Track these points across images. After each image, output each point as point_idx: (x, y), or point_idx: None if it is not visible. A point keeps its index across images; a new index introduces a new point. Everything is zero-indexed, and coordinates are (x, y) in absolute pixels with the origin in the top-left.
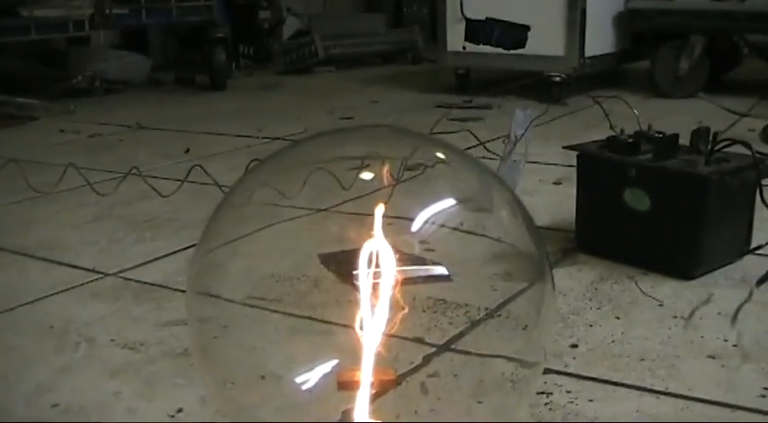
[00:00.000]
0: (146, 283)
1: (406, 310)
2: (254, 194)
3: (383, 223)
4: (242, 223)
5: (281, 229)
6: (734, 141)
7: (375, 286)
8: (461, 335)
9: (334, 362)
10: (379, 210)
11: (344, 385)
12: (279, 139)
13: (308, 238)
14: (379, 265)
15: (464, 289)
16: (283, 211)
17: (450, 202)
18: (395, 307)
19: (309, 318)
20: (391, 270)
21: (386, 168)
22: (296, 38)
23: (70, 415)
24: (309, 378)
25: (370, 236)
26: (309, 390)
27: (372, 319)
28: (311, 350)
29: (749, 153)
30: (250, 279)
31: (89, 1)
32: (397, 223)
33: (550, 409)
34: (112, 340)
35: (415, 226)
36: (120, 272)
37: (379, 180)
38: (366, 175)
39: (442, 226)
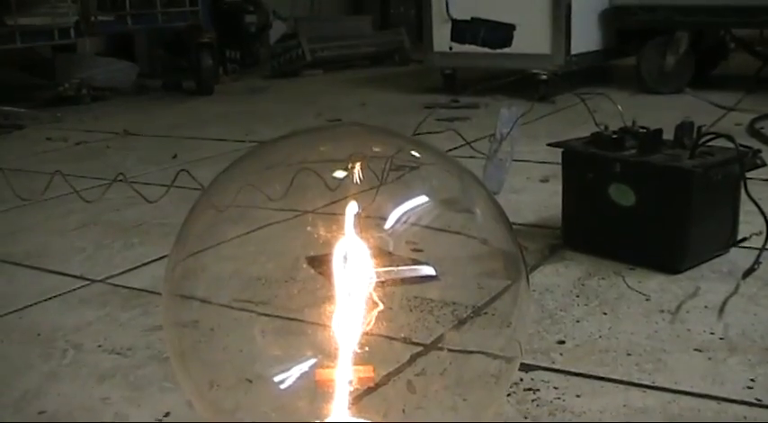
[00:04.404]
0: (133, 288)
1: (383, 308)
2: (227, 196)
3: (369, 224)
4: (215, 227)
5: (257, 235)
6: (717, 135)
7: (359, 286)
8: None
9: (312, 361)
10: (352, 208)
11: (323, 384)
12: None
13: (284, 239)
14: (361, 265)
15: (450, 287)
16: (259, 214)
17: (431, 200)
18: (379, 306)
19: (295, 319)
20: (370, 268)
21: (360, 165)
22: (283, 41)
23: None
24: (292, 379)
25: (349, 236)
26: (294, 390)
27: (351, 317)
28: (293, 351)
29: (733, 146)
30: (232, 282)
31: (74, 8)
32: (381, 223)
33: (537, 405)
34: (100, 346)
35: (400, 226)
36: (108, 278)
37: (357, 180)
38: (343, 175)
39: (427, 225)
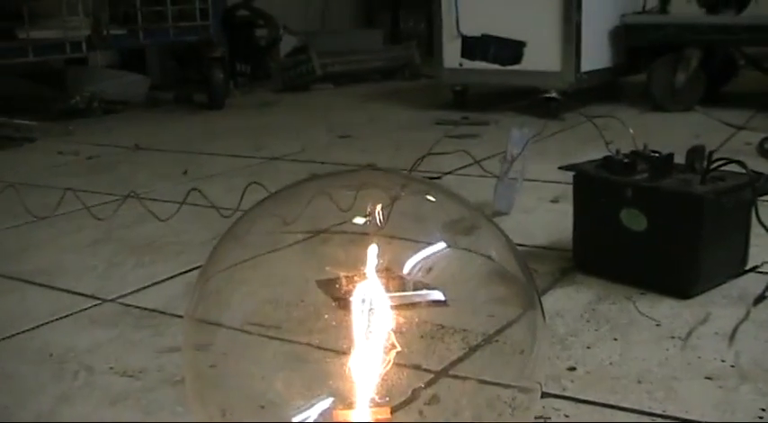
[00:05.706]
0: (145, 308)
1: (396, 333)
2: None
3: (380, 251)
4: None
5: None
6: (729, 160)
7: (371, 316)
8: (459, 360)
9: (330, 399)
10: (373, 250)
11: None
12: (277, 158)
13: (299, 265)
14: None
15: (462, 314)
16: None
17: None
18: (393, 337)
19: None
20: (386, 306)
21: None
22: (293, 55)
23: None
24: (306, 412)
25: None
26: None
27: (368, 353)
28: (306, 380)
29: (744, 171)
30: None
31: (86, 22)
32: (393, 251)
33: None
34: (111, 368)
35: (412, 253)
36: (120, 297)
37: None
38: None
39: (438, 252)
